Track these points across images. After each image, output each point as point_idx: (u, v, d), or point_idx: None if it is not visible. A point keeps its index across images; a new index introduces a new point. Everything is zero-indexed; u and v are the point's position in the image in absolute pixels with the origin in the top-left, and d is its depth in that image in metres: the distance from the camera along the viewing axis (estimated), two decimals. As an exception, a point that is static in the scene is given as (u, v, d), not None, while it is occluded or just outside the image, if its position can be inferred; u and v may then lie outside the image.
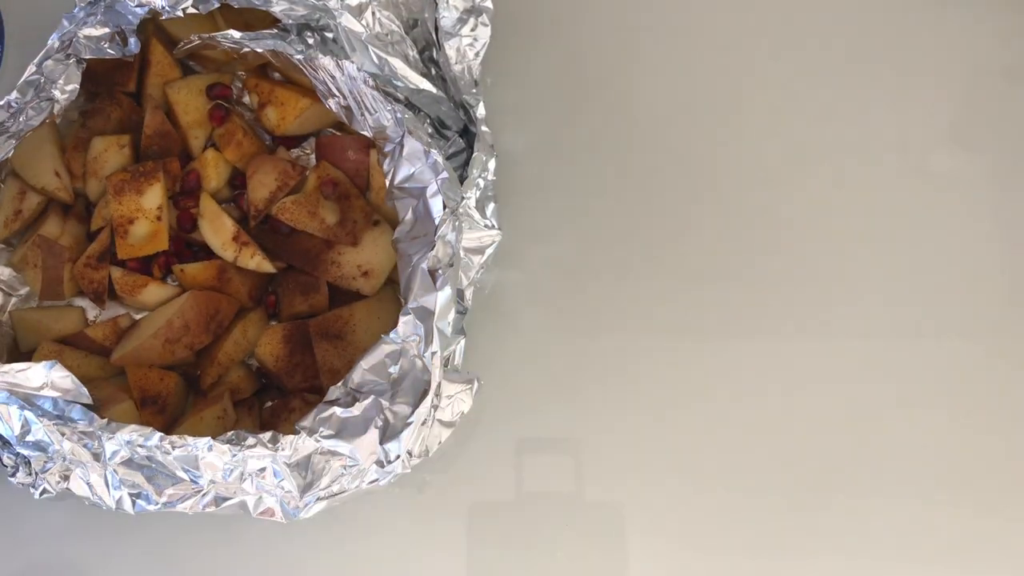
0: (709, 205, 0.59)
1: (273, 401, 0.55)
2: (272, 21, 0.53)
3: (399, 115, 0.49)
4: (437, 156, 0.48)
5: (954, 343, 0.57)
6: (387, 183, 0.50)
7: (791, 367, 0.56)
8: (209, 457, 0.45)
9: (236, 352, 0.55)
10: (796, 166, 0.60)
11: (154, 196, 0.55)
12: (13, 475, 0.48)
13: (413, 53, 0.55)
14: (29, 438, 0.46)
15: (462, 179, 0.54)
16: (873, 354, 0.57)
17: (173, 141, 0.57)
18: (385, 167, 0.50)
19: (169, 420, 0.54)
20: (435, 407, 0.47)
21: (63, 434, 0.46)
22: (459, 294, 0.50)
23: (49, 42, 0.52)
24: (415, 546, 0.53)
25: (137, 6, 0.51)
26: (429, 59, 0.57)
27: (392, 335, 0.46)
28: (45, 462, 0.47)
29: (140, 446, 0.45)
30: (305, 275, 0.56)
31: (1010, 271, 0.58)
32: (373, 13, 0.53)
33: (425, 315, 0.46)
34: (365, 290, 0.55)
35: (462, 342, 0.49)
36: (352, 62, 0.50)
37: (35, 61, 0.52)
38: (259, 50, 0.51)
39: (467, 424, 0.51)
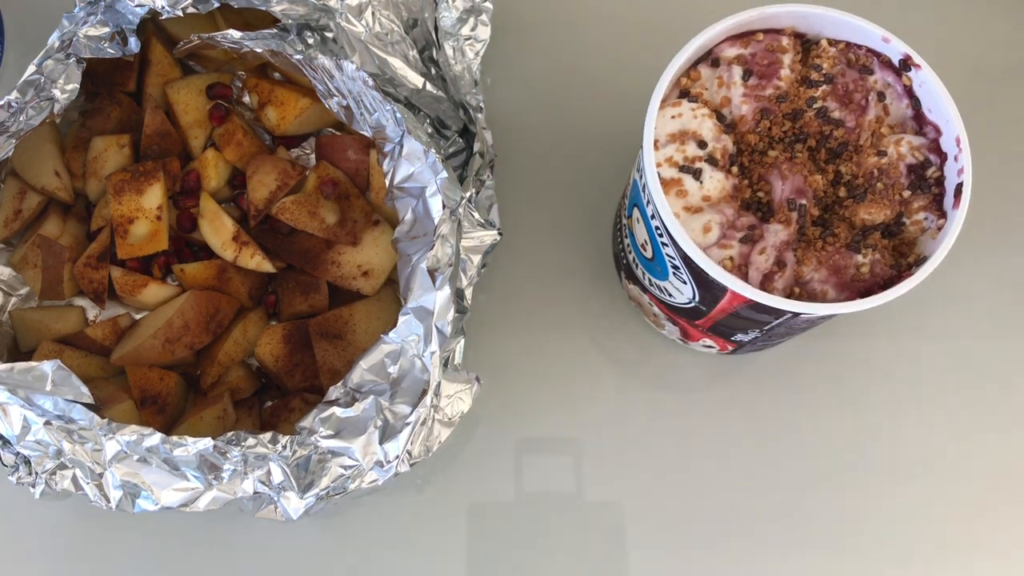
0: (709, 205, 0.59)
1: (273, 401, 0.55)
2: (272, 21, 0.53)
3: (399, 115, 0.49)
4: (436, 156, 0.48)
5: (954, 343, 0.57)
6: (387, 183, 0.50)
7: (792, 366, 0.56)
8: (209, 457, 0.45)
9: (236, 352, 0.55)
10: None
11: (154, 196, 0.55)
12: (13, 474, 0.48)
13: (413, 53, 0.55)
14: (29, 438, 0.46)
15: (462, 179, 0.54)
16: (875, 352, 0.57)
17: (173, 141, 0.57)
18: (385, 167, 0.50)
19: (169, 420, 0.54)
20: (434, 407, 0.47)
21: (63, 434, 0.46)
22: (459, 294, 0.49)
23: (49, 42, 0.52)
24: (415, 546, 0.53)
25: (137, 6, 0.51)
26: (429, 59, 0.57)
27: (391, 335, 0.46)
28: (45, 462, 0.47)
29: (140, 446, 0.45)
30: (305, 275, 0.56)
31: (1009, 271, 0.58)
32: (373, 13, 0.53)
33: (424, 315, 0.46)
34: (365, 290, 0.55)
35: (462, 342, 0.49)
36: (352, 62, 0.50)
37: (35, 61, 0.51)
38: (259, 50, 0.51)
39: (467, 424, 0.51)
